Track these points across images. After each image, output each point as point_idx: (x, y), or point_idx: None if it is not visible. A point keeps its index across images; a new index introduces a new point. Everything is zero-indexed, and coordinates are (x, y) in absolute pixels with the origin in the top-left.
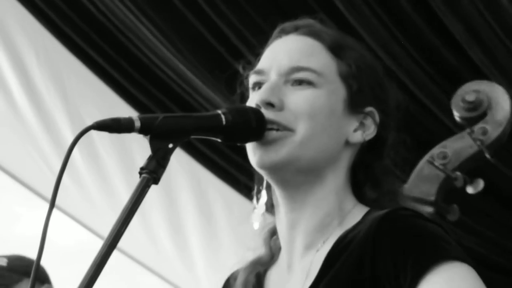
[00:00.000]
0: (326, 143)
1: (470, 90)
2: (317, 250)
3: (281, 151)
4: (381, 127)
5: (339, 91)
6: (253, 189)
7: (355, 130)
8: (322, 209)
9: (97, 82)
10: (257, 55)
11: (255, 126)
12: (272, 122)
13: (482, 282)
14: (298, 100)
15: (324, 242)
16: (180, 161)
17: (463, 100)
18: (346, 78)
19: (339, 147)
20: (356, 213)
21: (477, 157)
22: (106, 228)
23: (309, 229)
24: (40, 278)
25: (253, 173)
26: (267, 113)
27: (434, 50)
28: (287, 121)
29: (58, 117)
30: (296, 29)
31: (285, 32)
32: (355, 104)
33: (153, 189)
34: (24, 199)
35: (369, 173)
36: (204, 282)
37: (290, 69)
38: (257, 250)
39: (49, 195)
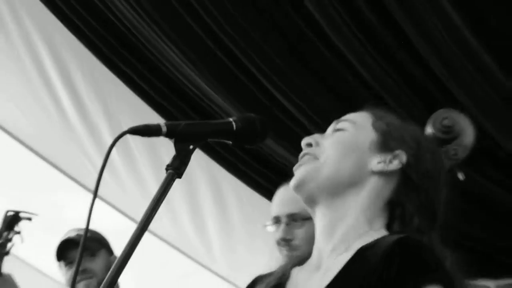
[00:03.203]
0: (347, 167)
1: (446, 116)
2: (339, 255)
3: (304, 169)
4: (408, 167)
5: (369, 134)
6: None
7: (378, 162)
8: (345, 223)
9: (132, 95)
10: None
11: (260, 131)
12: (307, 153)
13: None
14: (330, 139)
15: (346, 250)
16: (199, 160)
17: (441, 124)
18: (377, 128)
19: (362, 174)
20: (376, 234)
21: (449, 172)
22: (139, 213)
23: (334, 238)
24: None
25: (260, 168)
26: (305, 149)
27: (403, 65)
28: (316, 153)
29: (100, 123)
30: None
31: None
32: (383, 146)
33: (177, 182)
34: (72, 191)
35: (402, 208)
36: (219, 257)
37: (337, 120)
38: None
39: (92, 187)
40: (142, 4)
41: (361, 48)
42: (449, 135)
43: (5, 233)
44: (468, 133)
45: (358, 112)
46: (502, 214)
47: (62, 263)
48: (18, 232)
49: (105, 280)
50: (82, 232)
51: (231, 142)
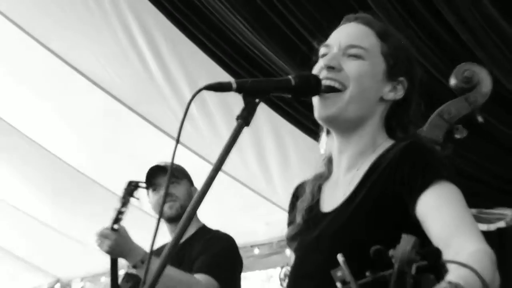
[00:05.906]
0: (367, 100)
1: (467, 69)
2: (357, 169)
3: (333, 108)
4: (408, 91)
5: (380, 64)
6: (319, 130)
7: (389, 91)
8: (361, 142)
9: (206, 58)
10: (319, 40)
11: (314, 85)
12: (333, 79)
13: (462, 196)
14: (351, 66)
15: (362, 164)
16: (263, 110)
17: (462, 75)
18: (386, 55)
19: (376, 102)
20: (386, 144)
21: (470, 115)
22: (213, 155)
23: (351, 155)
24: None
25: (312, 117)
26: (329, 73)
27: (436, 34)
28: (343, 79)
29: (180, 82)
30: (355, 19)
31: (348, 20)
32: (391, 74)
33: (245, 129)
34: (159, 137)
35: (399, 121)
36: (279, 190)
37: (347, 45)
38: (320, 169)
39: (175, 134)
40: None
41: (402, 22)
42: (469, 84)
43: (126, 200)
44: (486, 83)
45: (363, 30)
46: None
47: (150, 189)
48: (138, 199)
49: (190, 204)
50: (168, 163)
51: (290, 96)
